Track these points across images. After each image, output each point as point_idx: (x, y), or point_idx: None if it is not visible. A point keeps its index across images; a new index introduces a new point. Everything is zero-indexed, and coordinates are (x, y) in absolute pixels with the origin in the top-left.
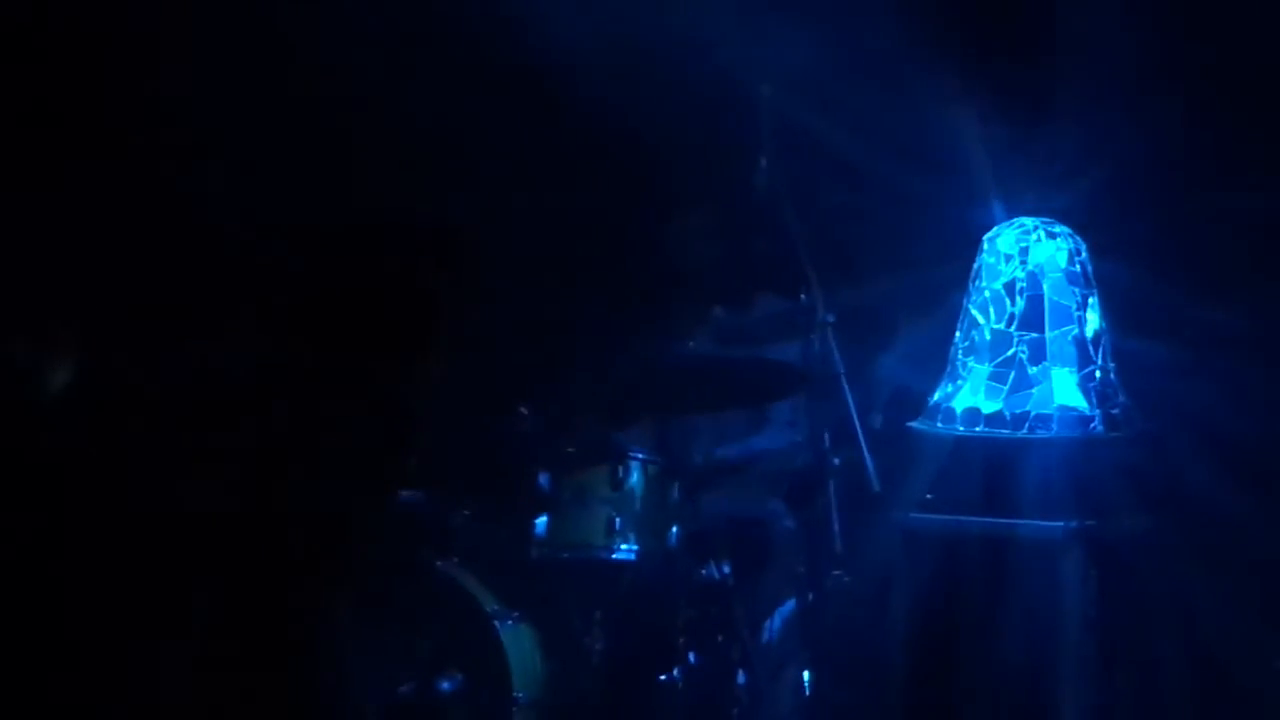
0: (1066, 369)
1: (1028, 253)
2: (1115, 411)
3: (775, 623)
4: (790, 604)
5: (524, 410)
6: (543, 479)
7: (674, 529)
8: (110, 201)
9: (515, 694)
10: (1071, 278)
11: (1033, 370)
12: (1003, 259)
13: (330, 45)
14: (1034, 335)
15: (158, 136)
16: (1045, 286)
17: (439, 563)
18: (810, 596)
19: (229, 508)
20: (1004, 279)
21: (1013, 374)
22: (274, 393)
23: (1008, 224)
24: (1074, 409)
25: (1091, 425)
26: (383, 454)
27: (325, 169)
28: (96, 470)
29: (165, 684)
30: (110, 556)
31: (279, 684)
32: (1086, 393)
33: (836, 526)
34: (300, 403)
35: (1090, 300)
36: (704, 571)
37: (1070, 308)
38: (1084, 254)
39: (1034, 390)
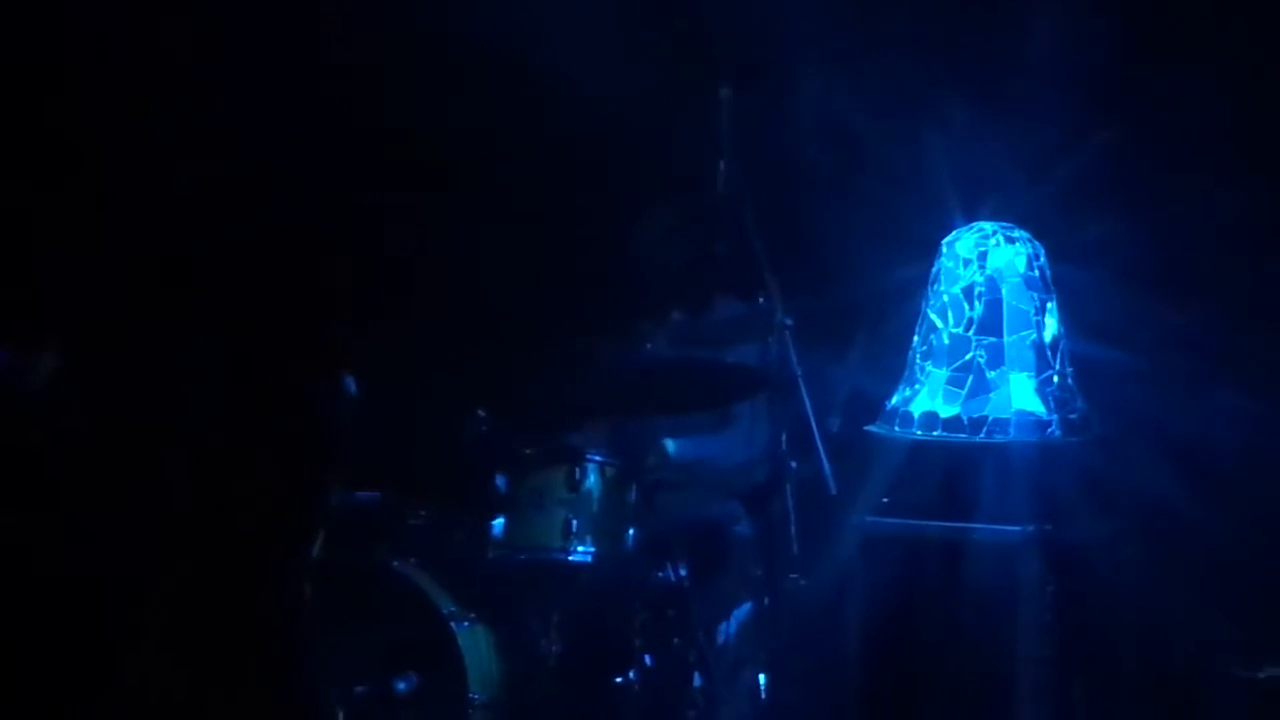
0: (1024, 374)
1: (986, 257)
2: (1073, 416)
3: (731, 625)
4: (747, 607)
5: (482, 412)
6: (500, 481)
7: (631, 531)
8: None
9: (471, 695)
10: (1030, 282)
11: (991, 375)
12: (961, 263)
13: (284, 38)
14: (992, 340)
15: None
16: (1004, 291)
17: (396, 563)
18: (767, 600)
19: (182, 508)
20: (962, 283)
21: (970, 378)
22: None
23: (966, 228)
24: (1031, 414)
25: (1049, 430)
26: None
27: (280, 165)
28: (59, 470)
29: (126, 684)
30: (70, 556)
31: (247, 683)
32: (1044, 397)
33: (794, 530)
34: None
35: (1049, 305)
36: (660, 574)
37: (1028, 312)
38: (1042, 259)
39: (992, 395)
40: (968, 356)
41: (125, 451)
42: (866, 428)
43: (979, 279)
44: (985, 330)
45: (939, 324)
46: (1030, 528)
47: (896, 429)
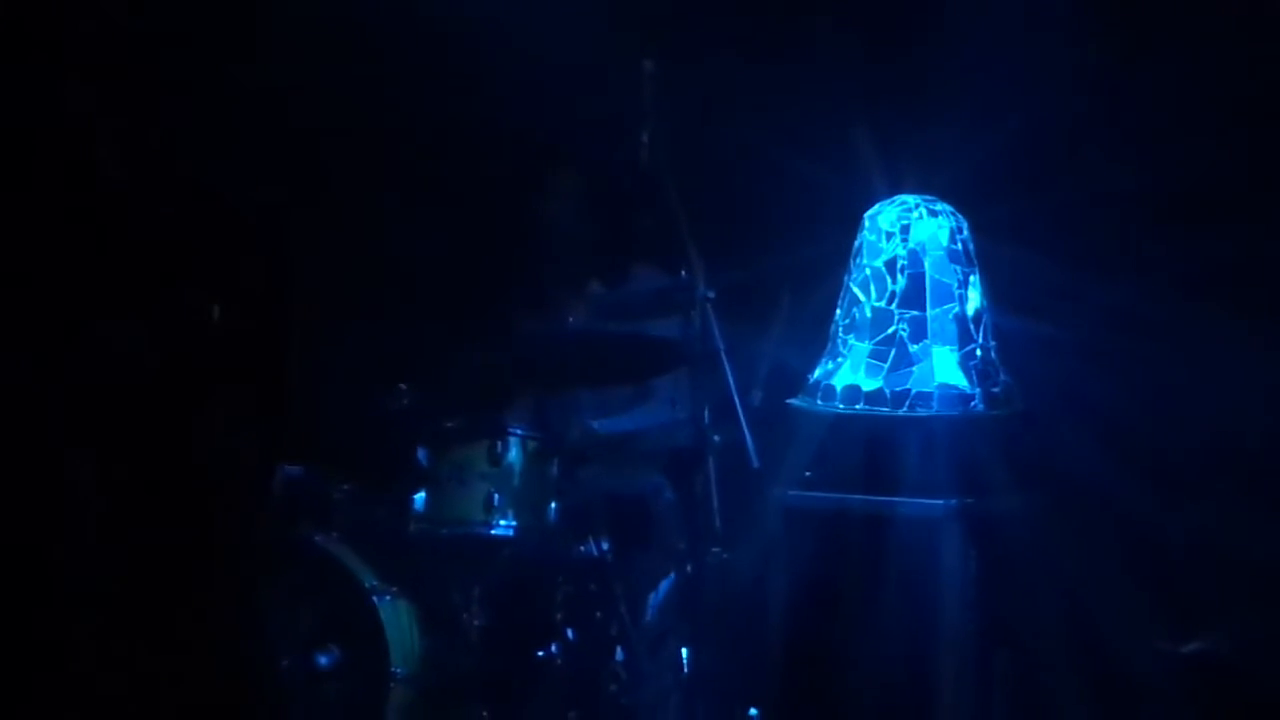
0: (947, 347)
1: (909, 230)
2: (996, 390)
3: (654, 599)
4: (669, 580)
5: (403, 386)
6: (421, 455)
7: (553, 505)
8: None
9: (393, 669)
10: (953, 256)
11: (913, 348)
12: (884, 236)
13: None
14: (915, 313)
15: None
16: (926, 264)
17: (318, 538)
18: (689, 573)
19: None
20: (885, 256)
21: (893, 352)
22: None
23: (889, 201)
24: (954, 387)
25: (972, 403)
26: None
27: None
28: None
29: (71, 665)
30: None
31: (196, 659)
32: (967, 371)
33: (716, 503)
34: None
35: (971, 278)
36: (583, 548)
37: (951, 286)
38: (965, 232)
39: (914, 368)
40: (890, 330)
41: (67, 419)
42: (789, 401)
43: (901, 252)
44: (908, 304)
45: (861, 297)
46: (952, 501)
47: (819, 403)
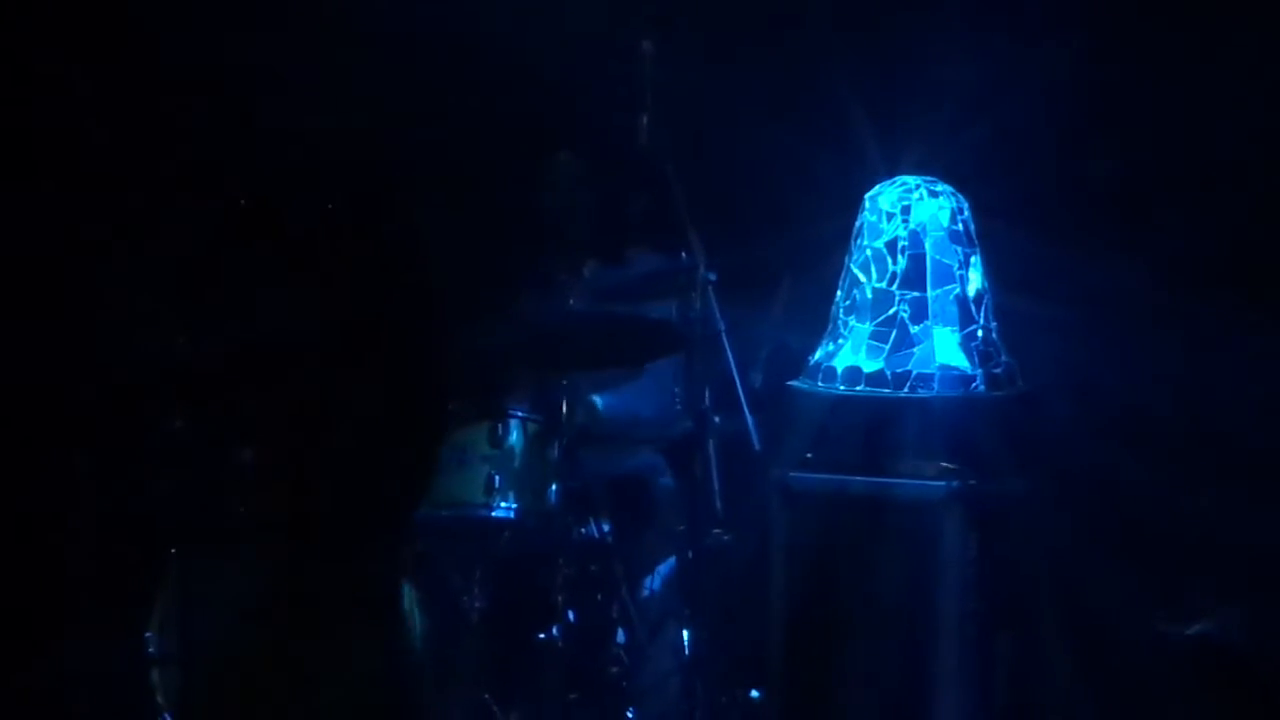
0: (948, 328)
1: (910, 211)
2: (997, 371)
3: (655, 581)
4: (670, 562)
5: None
6: None
7: (554, 487)
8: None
9: None
10: (954, 236)
11: (914, 329)
12: (884, 217)
13: None
14: (916, 294)
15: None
16: (927, 245)
17: None
18: (690, 555)
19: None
20: (886, 237)
21: (894, 333)
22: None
23: (890, 182)
24: (955, 368)
25: (973, 385)
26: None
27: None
28: None
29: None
30: None
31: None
32: (968, 352)
33: (717, 485)
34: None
35: (972, 259)
36: (584, 530)
37: (952, 266)
38: (966, 213)
39: (915, 349)
40: (891, 311)
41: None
42: (790, 383)
43: (902, 233)
44: (909, 285)
45: (862, 278)
46: (953, 483)
47: (820, 384)
